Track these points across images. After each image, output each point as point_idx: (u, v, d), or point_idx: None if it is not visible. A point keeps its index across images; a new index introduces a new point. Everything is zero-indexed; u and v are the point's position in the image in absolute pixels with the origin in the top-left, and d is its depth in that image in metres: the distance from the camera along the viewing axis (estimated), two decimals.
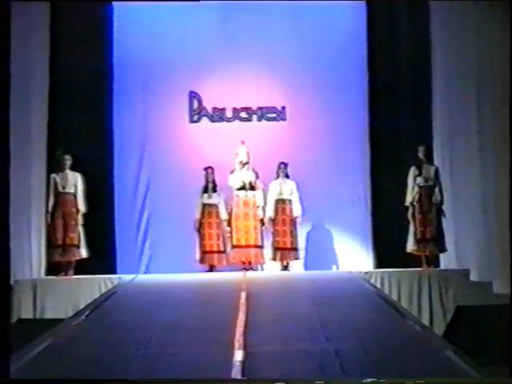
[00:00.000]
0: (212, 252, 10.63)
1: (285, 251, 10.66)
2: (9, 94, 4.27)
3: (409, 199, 10.32)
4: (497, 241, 9.95)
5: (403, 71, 11.42)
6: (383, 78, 11.45)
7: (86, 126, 11.06)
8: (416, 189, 10.28)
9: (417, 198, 10.28)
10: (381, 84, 11.45)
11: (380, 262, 11.05)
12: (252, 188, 10.66)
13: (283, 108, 11.55)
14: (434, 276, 9.68)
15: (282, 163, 10.80)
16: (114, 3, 11.44)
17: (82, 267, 10.27)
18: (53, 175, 10.34)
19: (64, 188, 10.24)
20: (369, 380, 4.23)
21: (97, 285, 9.56)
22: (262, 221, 10.66)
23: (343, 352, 5.13)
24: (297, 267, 10.93)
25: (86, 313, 7.07)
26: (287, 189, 10.72)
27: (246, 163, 10.72)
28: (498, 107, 10.17)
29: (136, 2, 11.47)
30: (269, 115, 11.58)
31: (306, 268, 11.03)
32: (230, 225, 10.66)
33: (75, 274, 10.19)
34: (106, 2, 11.39)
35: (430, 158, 10.45)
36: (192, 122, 11.58)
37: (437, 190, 10.27)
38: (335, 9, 11.57)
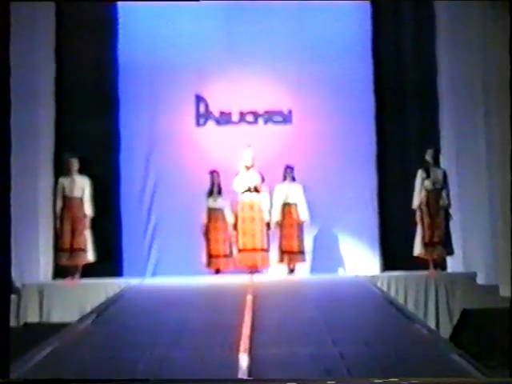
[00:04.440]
0: (218, 256, 10.65)
1: (291, 254, 10.66)
2: (9, 94, 4.26)
3: (416, 202, 10.30)
4: (504, 244, 9.94)
5: (410, 74, 11.42)
6: (390, 81, 11.47)
7: (92, 129, 11.07)
8: (424, 192, 10.27)
9: (424, 201, 10.26)
10: (387, 87, 11.46)
11: (387, 266, 11.06)
12: (257, 191, 10.67)
13: (290, 111, 11.57)
14: (440, 279, 9.68)
15: (288, 167, 10.80)
16: (119, 7, 11.46)
17: (88, 271, 10.28)
18: (61, 179, 10.33)
19: (72, 192, 10.24)
20: (378, 379, 4.21)
21: (103, 289, 9.57)
22: (267, 224, 10.68)
23: (349, 355, 5.13)
24: (303, 271, 10.94)
25: (93, 316, 7.09)
26: (293, 192, 10.73)
27: (251, 166, 10.73)
28: (506, 110, 10.13)
29: (140, 2, 11.50)
30: (275, 119, 11.59)
31: (313, 271, 11.03)
32: (235, 228, 10.67)
33: (82, 277, 10.20)
34: (110, 3, 11.41)
35: (437, 161, 10.44)
36: (198, 125, 11.61)
37: (444, 193, 10.25)
38: (340, 12, 11.59)
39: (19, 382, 4.29)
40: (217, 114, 11.57)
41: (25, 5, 9.95)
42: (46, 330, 6.93)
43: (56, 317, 9.35)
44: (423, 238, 10.23)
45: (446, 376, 4.68)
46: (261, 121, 11.59)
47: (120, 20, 11.47)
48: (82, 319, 7.20)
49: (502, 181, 10.04)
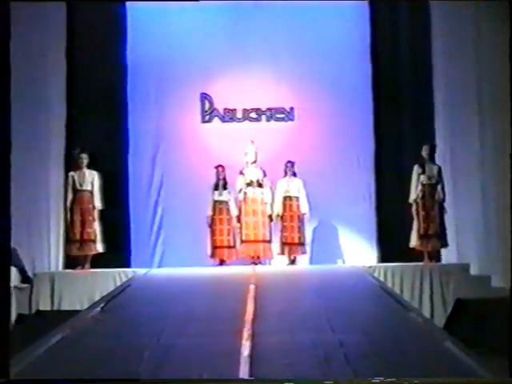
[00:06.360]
0: (222, 247, 10.66)
1: (292, 246, 10.67)
2: (9, 93, 4.19)
3: (412, 196, 10.30)
4: (496, 236, 9.95)
5: (406, 74, 11.41)
6: (387, 80, 11.46)
7: (102, 126, 11.10)
8: (419, 187, 10.27)
9: (420, 195, 10.26)
10: (385, 86, 11.46)
11: (384, 257, 11.08)
12: (260, 185, 10.69)
13: (291, 109, 11.58)
14: (435, 270, 9.68)
15: (290, 162, 10.81)
16: (127, 9, 11.46)
17: (98, 261, 10.30)
18: (71, 173, 10.37)
19: (81, 185, 10.27)
20: (378, 379, 4.15)
21: (112, 278, 9.59)
22: (269, 217, 10.69)
23: (348, 342, 5.12)
24: (303, 261, 10.95)
25: (102, 305, 7.07)
26: (294, 186, 10.73)
27: (254, 162, 10.74)
28: (498, 108, 10.13)
29: (147, 3, 11.50)
30: (277, 116, 11.60)
31: (313, 262, 11.04)
32: (239, 221, 10.69)
33: (91, 267, 10.23)
34: (119, 5, 11.41)
35: (433, 157, 10.43)
36: (204, 122, 11.62)
37: (439, 187, 10.26)
38: (340, 13, 11.60)
39: (19, 382, 4.19)
40: (221, 111, 11.58)
41: (37, 8, 9.97)
42: (57, 317, 6.94)
43: (66, 305, 9.36)
44: (419, 230, 10.23)
45: (441, 365, 4.68)
46: (264, 118, 11.60)
47: (129, 21, 11.48)
48: (92, 307, 7.18)
49: (494, 176, 10.05)
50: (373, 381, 4.11)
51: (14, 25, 9.56)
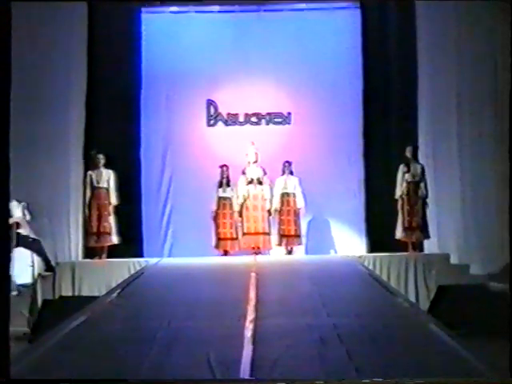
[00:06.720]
0: (226, 239, 10.67)
1: (289, 238, 10.69)
2: (9, 94, 4.11)
3: (398, 193, 10.31)
4: (473, 229, 9.98)
5: (393, 81, 11.39)
6: (375, 87, 11.45)
7: (117, 129, 11.12)
8: (404, 184, 10.26)
9: (405, 192, 10.26)
10: (373, 92, 11.45)
11: (372, 247, 11.08)
12: (260, 183, 10.71)
13: (289, 113, 11.60)
14: (419, 260, 9.68)
15: (287, 161, 10.82)
16: (142, 21, 11.48)
17: (113, 252, 10.31)
18: (89, 172, 10.38)
19: (98, 183, 10.28)
20: (380, 379, 4.11)
21: (126, 267, 9.59)
22: (269, 211, 10.70)
23: (341, 325, 5.13)
24: (300, 252, 10.96)
25: (118, 291, 7.09)
26: (291, 184, 10.74)
27: (255, 162, 10.76)
28: (476, 110, 10.16)
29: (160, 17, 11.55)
30: (276, 120, 11.62)
31: (308, 252, 11.05)
32: (241, 215, 10.70)
33: (108, 257, 10.24)
34: (135, 15, 11.43)
35: (416, 157, 10.43)
36: (209, 125, 11.65)
37: (422, 185, 10.25)
38: (335, 27, 11.58)
39: (19, 382, 4.04)
40: (225, 116, 11.59)
41: (61, 16, 10.00)
42: (78, 302, 6.96)
43: (86, 291, 9.36)
44: (403, 223, 10.24)
45: (425, 344, 4.69)
46: (263, 122, 11.62)
47: (143, 34, 11.50)
48: (109, 293, 7.20)
49: (472, 174, 10.09)
50: (375, 380, 4.00)
51: (38, 30, 9.69)
